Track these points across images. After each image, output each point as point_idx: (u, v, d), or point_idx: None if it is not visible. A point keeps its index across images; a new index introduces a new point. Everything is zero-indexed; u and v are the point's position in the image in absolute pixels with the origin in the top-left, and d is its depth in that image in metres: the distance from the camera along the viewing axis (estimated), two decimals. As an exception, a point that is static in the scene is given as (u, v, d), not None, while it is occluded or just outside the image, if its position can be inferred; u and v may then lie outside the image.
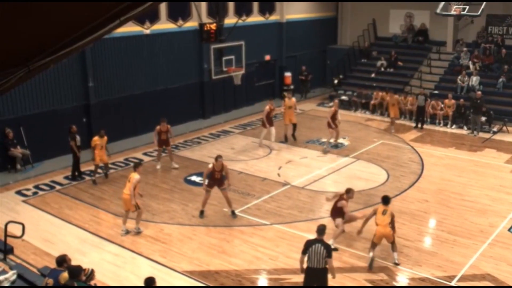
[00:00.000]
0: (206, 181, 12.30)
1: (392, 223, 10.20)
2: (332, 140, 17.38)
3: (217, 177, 12.19)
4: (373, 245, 10.24)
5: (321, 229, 8.55)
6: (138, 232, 11.64)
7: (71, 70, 16.67)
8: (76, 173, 14.98)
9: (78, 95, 17.12)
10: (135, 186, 11.31)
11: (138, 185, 11.46)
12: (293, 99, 18.45)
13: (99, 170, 14.89)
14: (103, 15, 3.85)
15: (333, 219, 11.12)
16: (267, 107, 17.15)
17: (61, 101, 16.66)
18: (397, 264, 10.29)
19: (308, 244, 8.44)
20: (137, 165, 11.87)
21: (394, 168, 15.65)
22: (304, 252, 8.44)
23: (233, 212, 12.52)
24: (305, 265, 8.59)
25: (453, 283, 9.68)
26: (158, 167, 15.67)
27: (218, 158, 12.09)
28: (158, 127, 15.26)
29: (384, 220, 10.09)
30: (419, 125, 20.16)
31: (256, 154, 17.13)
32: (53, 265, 8.05)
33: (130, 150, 17.42)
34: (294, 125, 18.16)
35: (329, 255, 8.30)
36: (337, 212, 11.00)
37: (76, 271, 7.32)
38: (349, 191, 11.04)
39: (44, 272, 8.35)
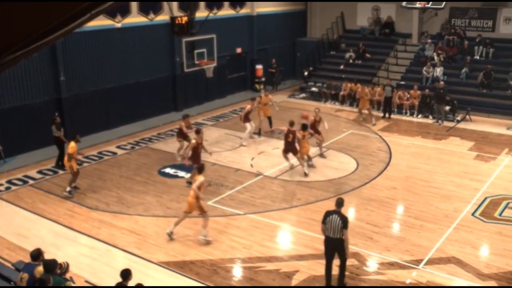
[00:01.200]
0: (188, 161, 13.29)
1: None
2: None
3: (199, 152, 13.16)
4: (302, 159, 14.71)
5: (340, 202, 9.10)
6: (207, 241, 10.91)
7: (42, 64, 16.53)
8: (61, 163, 14.82)
9: (49, 89, 16.99)
10: (199, 187, 10.72)
11: (202, 188, 10.87)
12: (270, 96, 18.67)
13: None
14: (73, 8, 3.86)
15: (294, 154, 14.47)
16: (249, 106, 17.32)
17: (32, 96, 16.51)
18: (306, 174, 14.45)
19: (327, 214, 9.01)
20: (202, 167, 11.21)
21: (363, 157, 16.08)
22: (323, 221, 9.02)
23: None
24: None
25: (420, 267, 10.09)
26: (179, 159, 15.59)
27: (199, 130, 13.42)
28: (182, 123, 15.42)
29: (306, 141, 14.48)
30: (387, 115, 20.67)
31: (228, 145, 17.34)
32: (27, 259, 8.06)
33: (103, 143, 17.40)
34: (269, 119, 18.22)
35: (344, 226, 8.80)
36: (293, 147, 14.35)
37: (51, 265, 7.37)
38: (293, 123, 14.40)
39: (18, 267, 8.34)
